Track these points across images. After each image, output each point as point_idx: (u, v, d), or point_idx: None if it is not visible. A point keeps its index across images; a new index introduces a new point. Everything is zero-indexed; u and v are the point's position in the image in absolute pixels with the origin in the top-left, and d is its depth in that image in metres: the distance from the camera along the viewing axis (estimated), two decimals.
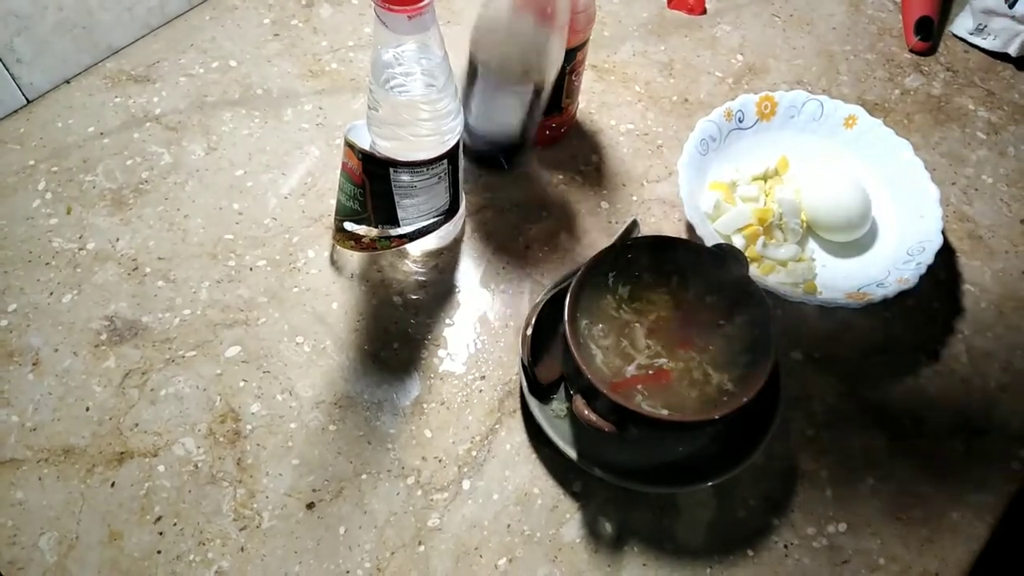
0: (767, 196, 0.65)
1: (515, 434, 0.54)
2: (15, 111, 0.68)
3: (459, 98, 0.51)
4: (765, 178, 0.66)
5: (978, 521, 0.52)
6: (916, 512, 0.53)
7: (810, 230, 0.64)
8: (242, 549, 0.49)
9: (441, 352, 0.57)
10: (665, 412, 0.47)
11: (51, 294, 0.58)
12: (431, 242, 0.60)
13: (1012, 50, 0.78)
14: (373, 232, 0.56)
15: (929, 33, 0.80)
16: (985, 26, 0.79)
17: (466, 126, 0.54)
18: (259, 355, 0.56)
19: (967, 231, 0.67)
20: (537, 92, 0.58)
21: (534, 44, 0.54)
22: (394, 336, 0.58)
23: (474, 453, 0.53)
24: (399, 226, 0.56)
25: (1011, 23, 0.77)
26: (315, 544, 0.49)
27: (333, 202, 0.57)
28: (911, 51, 0.80)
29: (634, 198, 0.66)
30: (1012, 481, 0.54)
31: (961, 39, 0.81)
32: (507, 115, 0.61)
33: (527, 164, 0.67)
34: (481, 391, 0.56)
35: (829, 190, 0.62)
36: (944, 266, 0.64)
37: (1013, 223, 0.67)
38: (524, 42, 0.54)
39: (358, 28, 0.77)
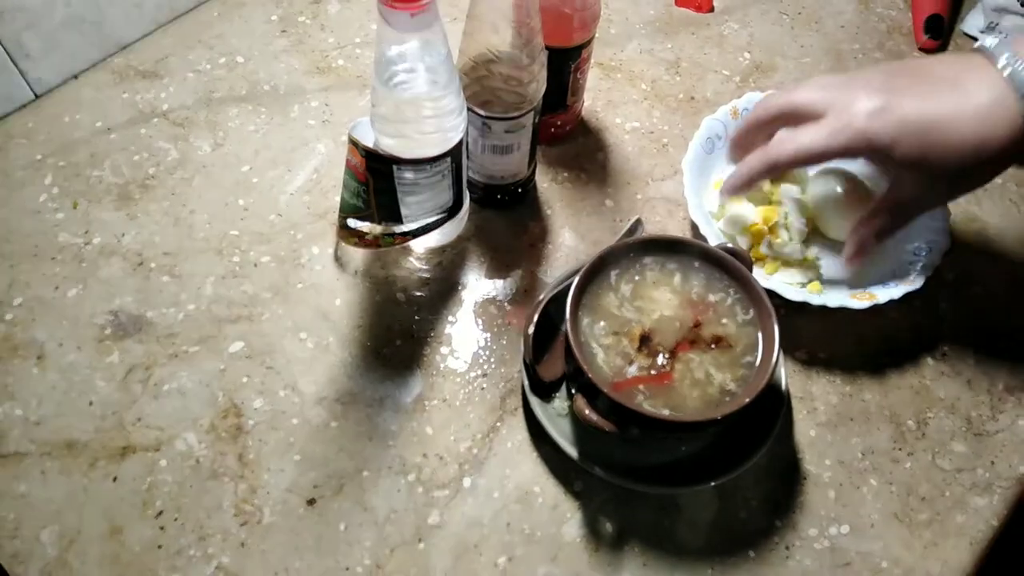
0: (772, 195, 0.64)
1: (516, 432, 0.54)
2: (23, 106, 0.68)
3: (462, 95, 0.51)
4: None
5: (982, 524, 0.52)
6: (919, 515, 0.52)
7: (816, 230, 0.64)
8: (243, 544, 0.49)
9: (443, 349, 0.57)
10: (667, 412, 0.46)
11: (56, 288, 0.58)
12: (435, 239, 0.60)
13: None
14: (377, 229, 0.56)
15: (939, 31, 0.79)
16: (996, 24, 0.78)
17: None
18: (262, 351, 0.56)
19: (975, 231, 0.66)
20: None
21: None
22: (397, 333, 0.58)
23: (475, 451, 0.53)
24: (402, 223, 0.56)
25: (1023, 21, 0.76)
26: (315, 540, 0.49)
27: (338, 199, 0.57)
28: (921, 49, 0.79)
29: (639, 196, 0.66)
30: (1017, 485, 0.54)
31: (972, 37, 0.81)
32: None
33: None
34: (483, 389, 0.56)
35: (835, 189, 0.62)
36: (951, 267, 0.63)
37: (1023, 223, 0.67)
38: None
39: (365, 25, 0.77)
